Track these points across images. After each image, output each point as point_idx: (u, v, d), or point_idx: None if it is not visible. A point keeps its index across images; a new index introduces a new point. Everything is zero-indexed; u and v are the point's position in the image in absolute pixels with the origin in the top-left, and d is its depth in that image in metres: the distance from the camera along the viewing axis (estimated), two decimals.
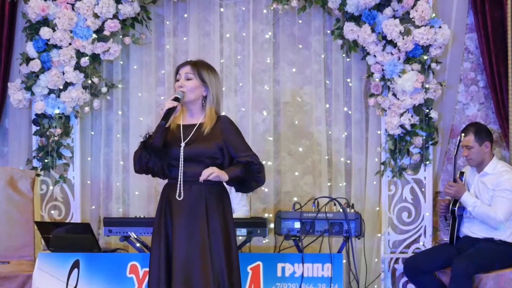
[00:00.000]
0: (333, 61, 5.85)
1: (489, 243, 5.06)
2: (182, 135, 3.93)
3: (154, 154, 3.86)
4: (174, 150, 3.90)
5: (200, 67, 3.98)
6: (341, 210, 5.01)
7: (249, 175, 3.94)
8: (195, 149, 3.89)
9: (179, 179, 3.88)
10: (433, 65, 5.56)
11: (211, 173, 3.81)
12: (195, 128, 3.95)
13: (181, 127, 3.96)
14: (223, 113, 4.24)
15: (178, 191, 3.88)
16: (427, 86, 5.52)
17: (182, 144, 3.90)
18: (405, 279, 5.55)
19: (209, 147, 3.90)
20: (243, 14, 5.89)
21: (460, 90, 5.83)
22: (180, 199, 3.87)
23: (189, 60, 4.08)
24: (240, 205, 5.36)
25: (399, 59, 5.50)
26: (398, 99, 5.55)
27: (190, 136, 3.92)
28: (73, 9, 5.60)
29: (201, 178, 3.82)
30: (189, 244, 3.84)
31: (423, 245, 5.62)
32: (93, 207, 5.91)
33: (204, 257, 3.82)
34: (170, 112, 3.84)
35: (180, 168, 3.89)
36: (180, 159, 3.89)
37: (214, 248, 3.85)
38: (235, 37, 5.90)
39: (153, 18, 5.88)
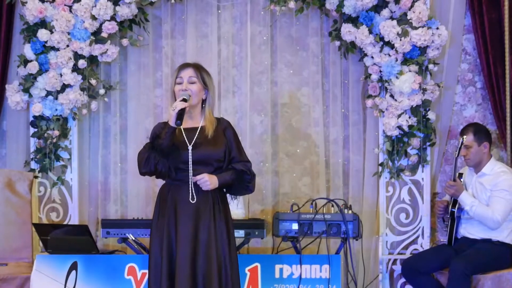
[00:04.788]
0: (330, 62, 5.85)
1: (487, 244, 5.06)
2: (186, 138, 3.93)
3: (164, 155, 3.85)
4: (181, 153, 3.90)
5: (201, 70, 4.03)
6: (339, 211, 5.01)
7: (240, 183, 4.03)
8: (204, 152, 3.93)
9: (190, 182, 3.90)
10: (431, 66, 5.56)
11: (202, 178, 3.86)
12: (198, 131, 3.96)
13: (182, 130, 3.96)
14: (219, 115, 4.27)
15: (190, 194, 3.89)
16: (424, 87, 5.52)
17: (190, 147, 3.90)
18: (403, 280, 5.55)
19: (217, 150, 3.96)
20: (241, 16, 5.89)
21: (458, 91, 5.84)
22: (193, 202, 3.89)
23: (187, 62, 4.09)
24: (238, 207, 5.35)
25: (396, 60, 5.51)
26: (395, 100, 5.55)
27: (195, 139, 3.93)
28: (70, 11, 5.59)
29: (195, 179, 3.85)
30: (194, 244, 3.87)
31: (421, 246, 5.62)
32: (91, 208, 5.90)
33: (209, 256, 3.86)
34: (182, 112, 3.84)
35: (190, 171, 3.90)
36: (190, 162, 3.90)
37: (220, 247, 3.89)
38: (232, 38, 5.90)
39: (150, 20, 5.87)
